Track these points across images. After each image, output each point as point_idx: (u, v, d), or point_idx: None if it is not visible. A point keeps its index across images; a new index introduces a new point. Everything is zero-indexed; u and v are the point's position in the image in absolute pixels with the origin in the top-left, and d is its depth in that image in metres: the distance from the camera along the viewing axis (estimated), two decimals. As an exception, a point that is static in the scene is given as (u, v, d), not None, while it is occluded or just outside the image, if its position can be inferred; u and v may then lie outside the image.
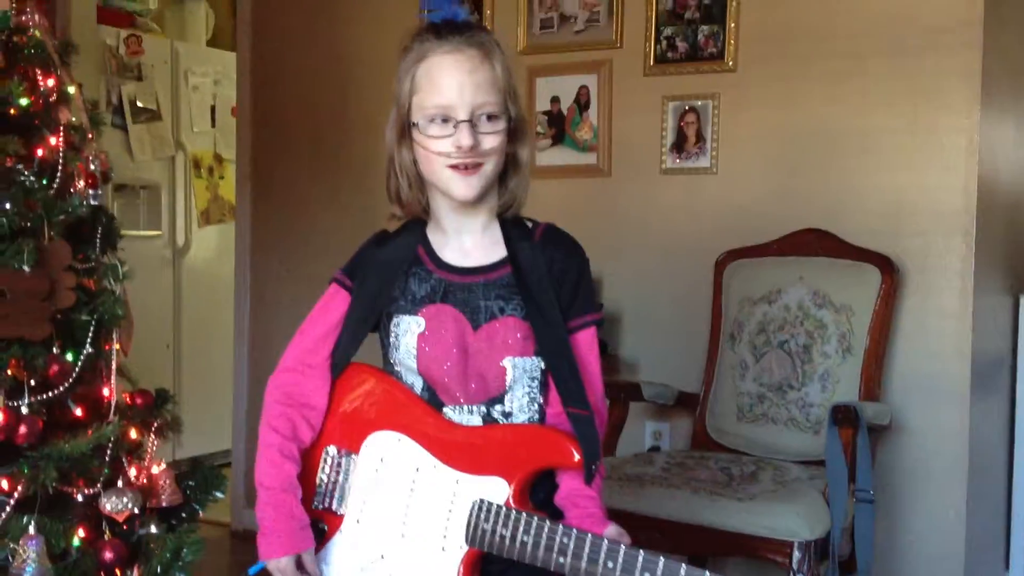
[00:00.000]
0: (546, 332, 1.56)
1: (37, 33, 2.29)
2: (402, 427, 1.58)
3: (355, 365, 1.65)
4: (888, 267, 3.03)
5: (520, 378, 1.58)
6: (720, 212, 3.41)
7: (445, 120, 1.53)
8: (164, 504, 2.32)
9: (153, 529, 2.27)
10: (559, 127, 3.68)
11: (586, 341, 1.62)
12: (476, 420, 1.58)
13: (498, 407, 1.58)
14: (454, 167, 1.54)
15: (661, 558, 1.38)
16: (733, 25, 3.37)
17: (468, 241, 1.63)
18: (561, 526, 1.44)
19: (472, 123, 1.53)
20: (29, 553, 2.03)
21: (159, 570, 2.20)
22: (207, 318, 5.33)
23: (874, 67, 3.17)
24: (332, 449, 1.64)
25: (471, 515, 1.49)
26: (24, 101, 2.22)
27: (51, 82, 2.31)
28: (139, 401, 2.38)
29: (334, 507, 1.61)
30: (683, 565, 1.36)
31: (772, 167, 3.35)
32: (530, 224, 1.67)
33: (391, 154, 1.62)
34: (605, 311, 3.50)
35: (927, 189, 3.12)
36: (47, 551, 2.07)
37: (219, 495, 2.48)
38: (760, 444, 3.05)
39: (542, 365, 1.58)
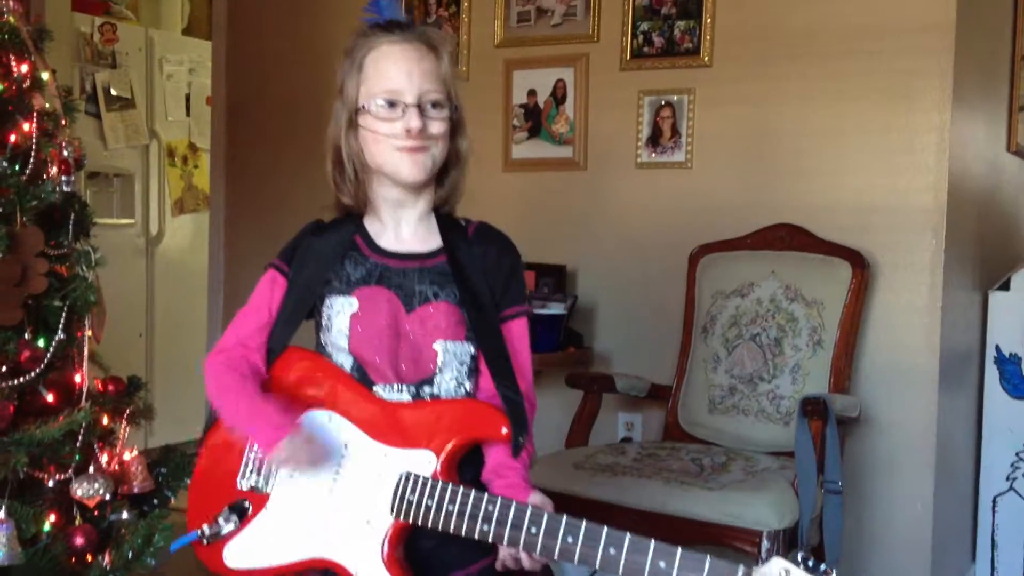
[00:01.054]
0: (479, 318, 1.61)
1: (11, 19, 2.29)
2: (332, 405, 1.59)
3: (288, 348, 1.68)
4: (859, 262, 3.06)
5: (450, 362, 1.61)
6: (694, 206, 3.43)
7: (393, 105, 1.58)
8: (135, 490, 2.33)
9: (124, 515, 2.27)
10: (535, 120, 3.69)
11: (518, 331, 1.66)
12: (406, 399, 1.60)
13: (427, 388, 1.61)
14: (403, 149, 1.58)
15: (583, 521, 1.40)
16: (709, 21, 3.39)
17: (405, 231, 1.67)
18: (486, 494, 1.47)
19: (420, 107, 1.57)
20: (0, 538, 2.03)
21: (130, 556, 2.20)
22: (180, 307, 5.31)
23: (848, 66, 3.20)
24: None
25: (397, 487, 1.51)
26: (-3, 86, 2.22)
27: (25, 68, 2.30)
28: (111, 388, 2.38)
29: (260, 486, 1.62)
30: (604, 527, 1.39)
31: (746, 162, 3.37)
32: (463, 222, 1.71)
33: (336, 144, 1.66)
34: (579, 303, 3.52)
35: (898, 186, 3.15)
36: (17, 536, 2.07)
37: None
38: (731, 435, 3.08)
39: (472, 351, 1.62)
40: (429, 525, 1.48)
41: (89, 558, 2.20)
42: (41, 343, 2.19)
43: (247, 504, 1.61)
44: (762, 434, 3.03)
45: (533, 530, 1.42)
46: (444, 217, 1.69)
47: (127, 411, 2.39)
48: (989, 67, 3.53)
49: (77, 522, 2.20)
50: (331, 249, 1.67)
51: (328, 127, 1.68)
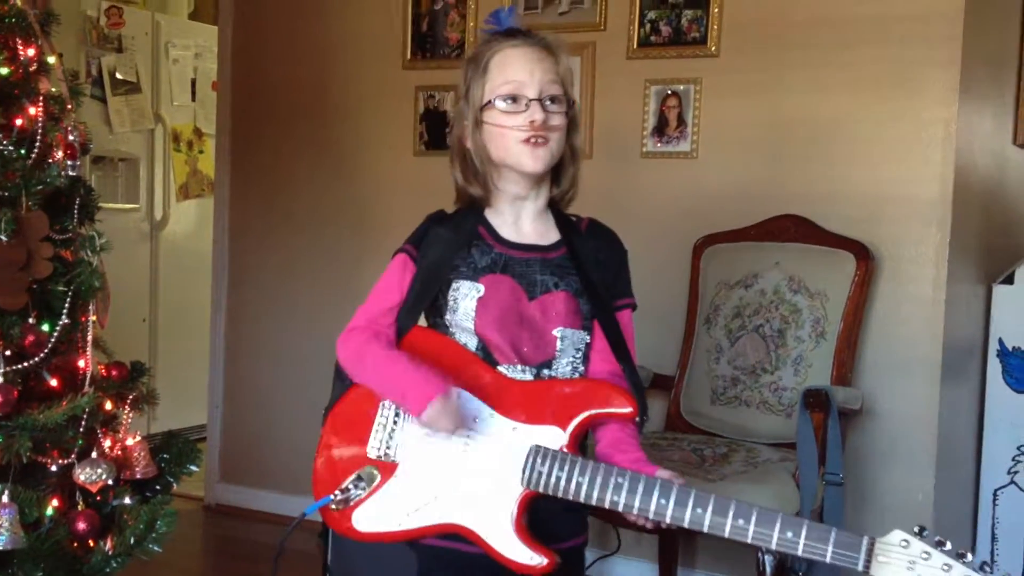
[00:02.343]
0: (598, 307, 1.77)
1: (18, 2, 2.28)
2: (460, 380, 1.69)
3: (414, 328, 1.78)
4: (863, 254, 3.06)
5: (568, 348, 1.75)
6: (699, 196, 3.43)
7: (516, 100, 1.71)
8: (138, 476, 2.33)
9: (127, 500, 2.28)
10: (540, 108, 3.67)
11: (626, 320, 1.83)
12: (528, 379, 1.72)
13: (546, 371, 1.73)
14: (526, 141, 1.70)
15: (712, 495, 1.51)
16: (716, 10, 3.38)
17: (526, 224, 1.80)
18: (616, 467, 1.59)
19: (541, 101, 1.71)
20: (2, 522, 2.04)
21: (132, 541, 2.21)
22: (183, 293, 5.31)
23: (855, 57, 3.19)
24: (388, 400, 1.74)
25: (528, 459, 1.62)
26: (4, 70, 2.22)
27: (31, 52, 2.30)
28: (114, 373, 2.38)
29: (389, 454, 1.71)
30: (733, 500, 1.50)
31: (751, 153, 3.36)
32: (574, 218, 1.85)
33: (462, 143, 1.78)
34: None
35: (904, 178, 3.14)
36: (20, 520, 2.07)
37: (193, 468, 2.50)
38: (733, 426, 3.08)
39: (587, 338, 1.77)
40: (559, 495, 1.60)
41: (91, 543, 2.21)
42: (45, 328, 2.19)
43: (376, 471, 1.70)
44: (764, 425, 3.03)
45: (663, 501, 1.54)
46: (559, 213, 1.84)
47: (130, 397, 2.40)
48: (997, 58, 3.51)
49: (80, 507, 2.21)
50: (457, 238, 1.78)
51: (454, 127, 1.82)
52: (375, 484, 1.69)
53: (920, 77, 3.11)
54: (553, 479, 1.60)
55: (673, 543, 3.29)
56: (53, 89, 2.36)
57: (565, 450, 1.63)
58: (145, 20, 5.38)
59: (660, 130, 3.49)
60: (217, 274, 4.39)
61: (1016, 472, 3.43)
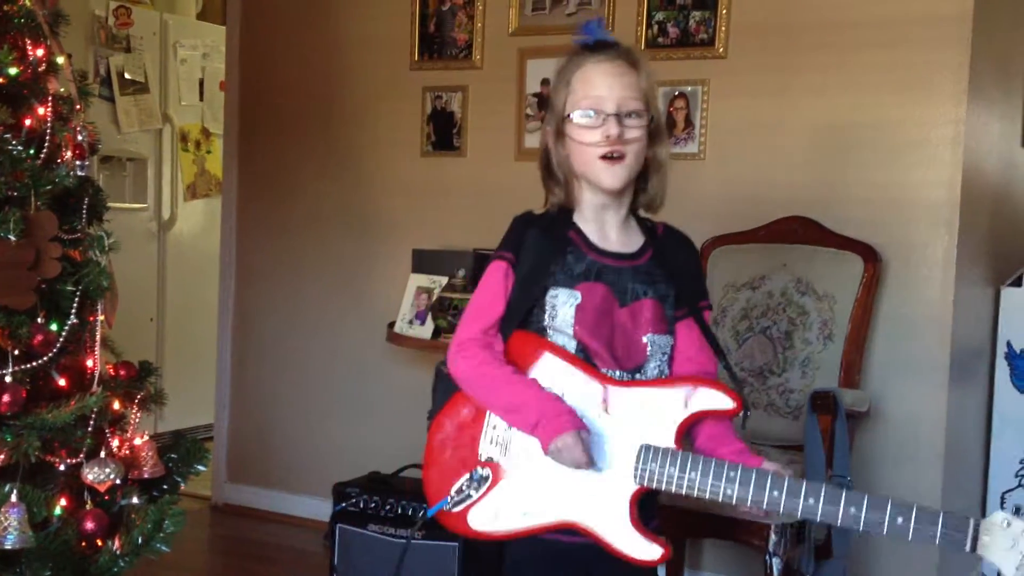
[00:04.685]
0: (690, 310, 1.84)
1: (27, 2, 2.29)
2: (567, 384, 1.75)
3: (515, 332, 1.82)
4: (871, 256, 3.05)
5: (656, 353, 1.81)
6: (706, 198, 3.42)
7: (595, 113, 1.76)
8: (146, 475, 2.34)
9: (135, 500, 2.28)
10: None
11: (707, 320, 1.89)
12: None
13: (638, 376, 1.79)
14: (603, 158, 1.76)
15: (824, 485, 1.59)
16: (724, 12, 3.38)
17: (611, 233, 1.86)
18: (726, 462, 1.66)
19: (618, 116, 1.75)
20: (10, 521, 2.05)
21: (140, 541, 2.21)
22: (191, 292, 5.32)
23: (863, 58, 3.19)
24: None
25: (639, 457, 1.69)
26: (13, 70, 2.22)
27: (40, 52, 2.30)
28: (123, 373, 2.39)
29: (498, 458, 1.77)
30: (843, 489, 1.58)
31: (759, 155, 3.36)
32: (650, 224, 1.92)
33: (546, 150, 1.85)
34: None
35: (912, 180, 3.14)
36: (28, 519, 2.08)
37: (201, 468, 2.50)
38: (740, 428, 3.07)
39: (672, 342, 1.83)
40: (672, 490, 1.67)
41: (99, 542, 2.21)
42: (54, 327, 2.20)
43: (487, 472, 1.77)
44: (771, 427, 3.03)
45: (776, 493, 1.60)
46: (638, 219, 1.90)
47: (138, 396, 2.40)
48: (1005, 61, 3.51)
49: (88, 506, 2.21)
50: (551, 244, 1.83)
51: (541, 136, 1.90)
52: (487, 485, 1.76)
53: (928, 79, 3.10)
54: (666, 475, 1.66)
55: (679, 545, 3.28)
56: (62, 89, 2.36)
57: (675, 446, 1.68)
58: (153, 20, 5.39)
59: (667, 131, 3.48)
60: (224, 274, 4.39)
61: (1024, 475, 3.42)
